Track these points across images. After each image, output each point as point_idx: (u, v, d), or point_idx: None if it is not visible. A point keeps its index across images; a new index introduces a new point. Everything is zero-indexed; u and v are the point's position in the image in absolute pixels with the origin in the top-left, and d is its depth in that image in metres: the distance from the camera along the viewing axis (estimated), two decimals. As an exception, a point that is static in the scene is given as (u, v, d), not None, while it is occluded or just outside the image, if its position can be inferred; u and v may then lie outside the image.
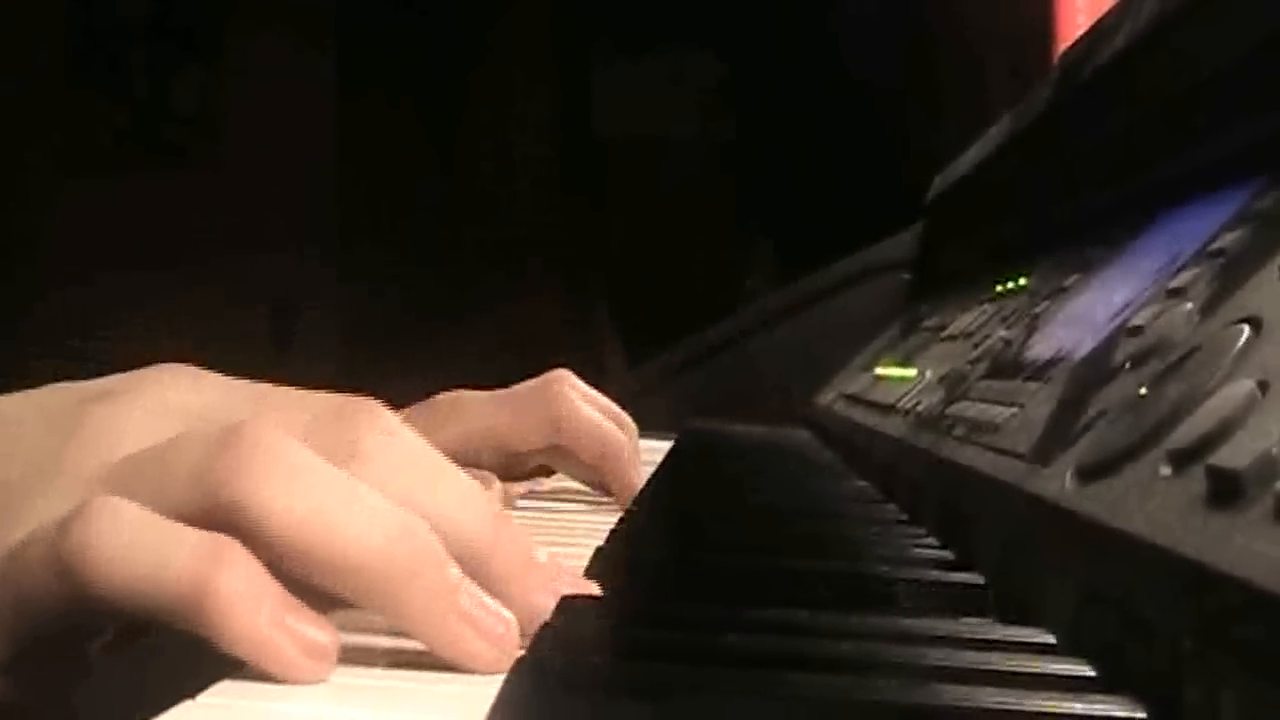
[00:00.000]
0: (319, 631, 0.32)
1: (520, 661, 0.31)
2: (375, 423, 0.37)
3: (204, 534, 0.32)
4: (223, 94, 2.80)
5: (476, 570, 0.35)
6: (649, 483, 0.73)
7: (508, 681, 0.29)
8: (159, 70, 2.86)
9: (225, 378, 0.40)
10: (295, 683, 0.31)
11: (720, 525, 0.60)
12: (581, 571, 0.42)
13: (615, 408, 0.73)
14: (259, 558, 0.32)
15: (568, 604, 0.36)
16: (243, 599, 0.31)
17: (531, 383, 0.72)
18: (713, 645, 0.33)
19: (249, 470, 0.33)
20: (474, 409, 0.70)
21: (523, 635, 0.34)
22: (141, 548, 0.32)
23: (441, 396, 0.71)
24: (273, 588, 0.32)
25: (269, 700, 0.30)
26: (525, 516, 0.65)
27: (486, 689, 0.29)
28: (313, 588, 0.33)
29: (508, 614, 0.34)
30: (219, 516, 0.33)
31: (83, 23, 2.85)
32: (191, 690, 0.30)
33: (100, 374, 0.39)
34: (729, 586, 0.42)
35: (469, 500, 0.37)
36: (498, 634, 0.34)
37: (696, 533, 0.57)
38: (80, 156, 2.76)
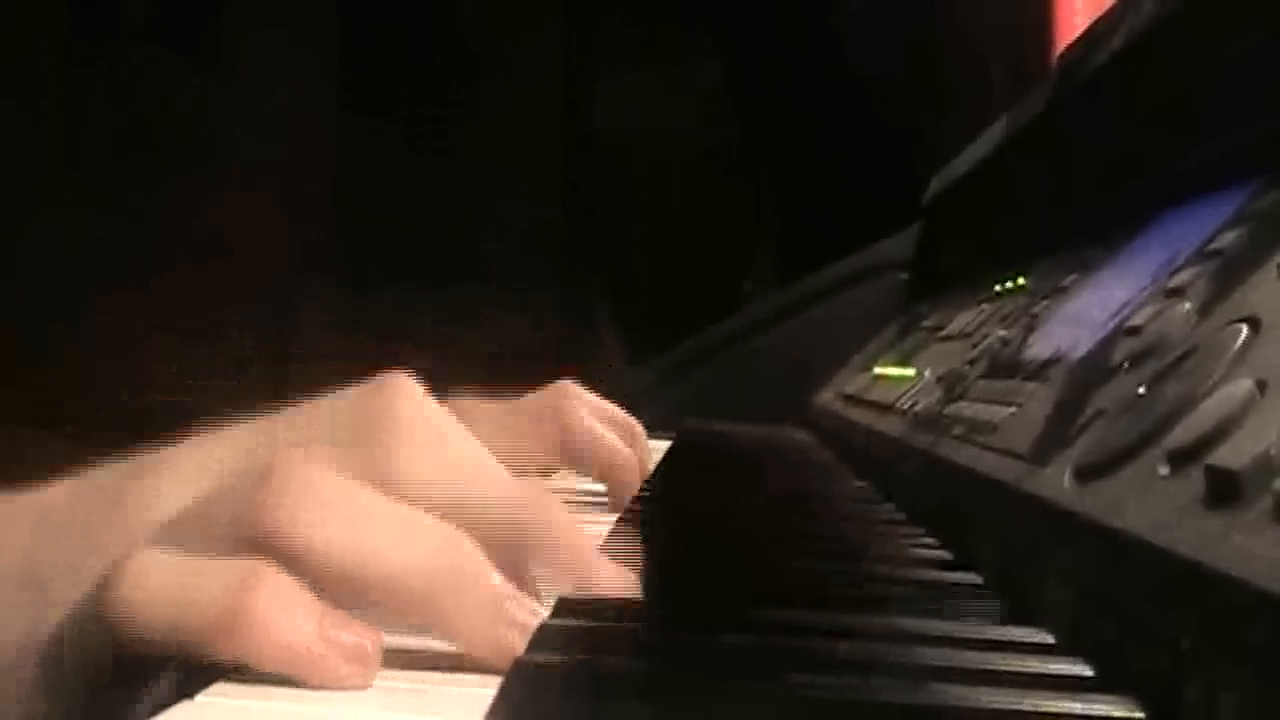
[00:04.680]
0: (359, 636, 0.32)
1: (519, 661, 0.31)
2: (399, 431, 0.38)
3: (233, 561, 0.32)
4: (224, 98, 2.80)
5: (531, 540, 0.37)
6: (646, 483, 0.72)
7: (506, 681, 0.29)
8: (160, 75, 2.86)
9: (248, 426, 0.40)
10: (340, 690, 0.31)
11: (718, 525, 0.60)
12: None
13: (625, 417, 0.71)
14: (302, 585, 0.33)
15: (565, 604, 0.36)
16: (277, 612, 0.31)
17: (539, 397, 0.69)
18: (711, 645, 0.33)
19: (284, 506, 0.33)
20: (477, 416, 0.69)
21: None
22: (173, 585, 0.32)
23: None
24: (307, 598, 0.32)
25: (267, 700, 0.30)
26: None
27: (484, 689, 0.29)
28: (356, 606, 0.33)
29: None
30: (264, 554, 0.33)
31: (83, 26, 2.84)
32: (191, 690, 0.30)
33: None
34: (727, 586, 0.42)
35: (502, 483, 0.39)
36: None
37: (694, 532, 0.57)
38: (81, 160, 2.76)
